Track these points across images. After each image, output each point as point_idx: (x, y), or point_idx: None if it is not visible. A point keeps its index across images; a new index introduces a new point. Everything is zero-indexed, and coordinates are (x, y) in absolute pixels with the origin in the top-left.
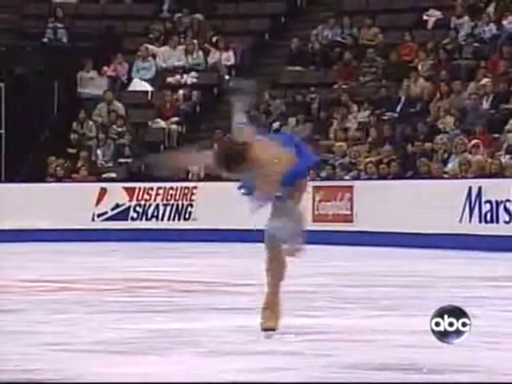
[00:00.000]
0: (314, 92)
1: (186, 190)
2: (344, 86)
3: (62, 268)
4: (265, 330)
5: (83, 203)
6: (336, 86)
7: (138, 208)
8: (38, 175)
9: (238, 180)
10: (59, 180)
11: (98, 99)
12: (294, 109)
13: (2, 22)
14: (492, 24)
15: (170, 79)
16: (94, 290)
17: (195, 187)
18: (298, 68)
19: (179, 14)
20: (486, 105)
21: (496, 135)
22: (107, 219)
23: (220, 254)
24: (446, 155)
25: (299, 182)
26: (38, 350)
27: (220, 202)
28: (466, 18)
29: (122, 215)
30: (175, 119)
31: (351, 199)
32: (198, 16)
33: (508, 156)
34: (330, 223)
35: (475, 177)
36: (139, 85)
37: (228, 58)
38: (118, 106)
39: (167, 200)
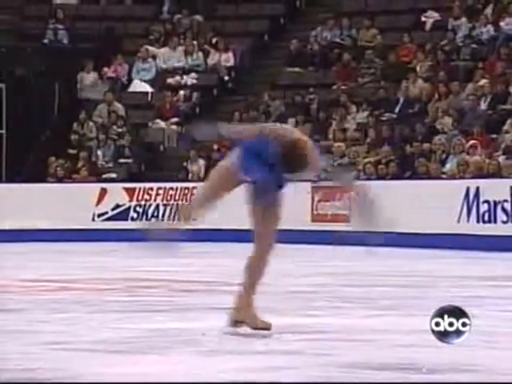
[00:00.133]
0: (313, 93)
1: (186, 191)
2: (343, 87)
3: (63, 268)
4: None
5: (83, 203)
6: (335, 87)
7: (138, 208)
8: (39, 175)
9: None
10: (60, 180)
11: (99, 100)
12: (293, 109)
13: (3, 23)
14: (490, 25)
15: (169, 80)
16: (94, 290)
17: (195, 187)
18: (297, 69)
19: (179, 16)
20: (483, 106)
21: (494, 136)
22: (107, 219)
23: (220, 253)
24: (444, 156)
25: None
26: (39, 349)
27: (220, 203)
28: (464, 19)
29: (122, 215)
30: (175, 120)
31: (350, 199)
32: (198, 17)
33: (504, 156)
34: (329, 223)
35: (473, 177)
36: (139, 86)
37: (228, 59)
38: (118, 106)
39: (167, 200)
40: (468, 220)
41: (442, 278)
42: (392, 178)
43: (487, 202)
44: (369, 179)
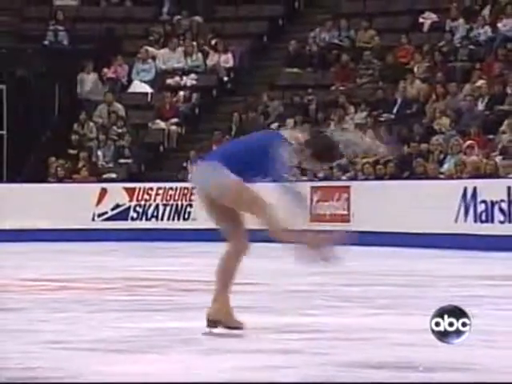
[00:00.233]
0: (311, 93)
1: (186, 191)
2: (341, 88)
3: (63, 267)
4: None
5: (84, 203)
6: (333, 88)
7: (137, 208)
8: (39, 176)
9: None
10: (60, 180)
11: (99, 101)
12: (291, 110)
13: (3, 25)
14: (487, 27)
15: (169, 81)
16: (94, 289)
17: (194, 187)
18: (295, 70)
19: (179, 17)
20: (481, 106)
21: (491, 136)
22: (107, 219)
23: (219, 253)
24: (441, 156)
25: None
26: (39, 349)
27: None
28: (462, 20)
29: (122, 215)
30: (175, 120)
31: (348, 199)
32: (198, 18)
33: (501, 157)
34: (327, 223)
35: (470, 177)
36: (139, 86)
37: (227, 60)
38: (119, 107)
39: (167, 200)
40: (465, 220)
41: (439, 278)
42: (390, 178)
43: (484, 201)
44: (367, 179)
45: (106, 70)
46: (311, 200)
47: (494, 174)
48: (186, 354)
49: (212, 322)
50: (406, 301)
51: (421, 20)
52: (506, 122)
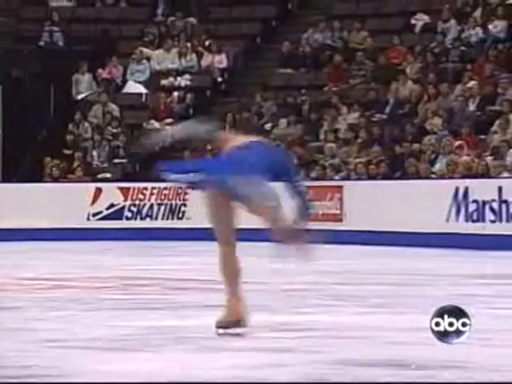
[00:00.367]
0: (304, 94)
1: (180, 190)
2: (334, 89)
3: (58, 266)
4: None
5: (79, 203)
6: (326, 88)
7: (132, 207)
8: (35, 175)
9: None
10: (55, 180)
11: (94, 101)
12: (285, 110)
13: (0, 26)
14: (478, 28)
15: (163, 81)
16: (90, 288)
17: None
18: (289, 70)
19: (173, 18)
20: (472, 107)
21: (482, 136)
22: (102, 218)
23: (213, 252)
24: (433, 156)
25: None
26: (35, 347)
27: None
28: (453, 22)
29: (117, 214)
30: (169, 120)
31: (341, 199)
32: (192, 20)
33: (491, 157)
34: (320, 222)
35: (462, 177)
36: (134, 87)
37: (221, 60)
38: (113, 107)
39: (161, 200)
40: (457, 219)
41: (432, 277)
42: (382, 178)
43: (476, 201)
44: (360, 179)
45: (100, 70)
46: None
47: (485, 174)
48: (181, 353)
49: (232, 323)
50: (398, 299)
51: (413, 21)
52: (497, 123)
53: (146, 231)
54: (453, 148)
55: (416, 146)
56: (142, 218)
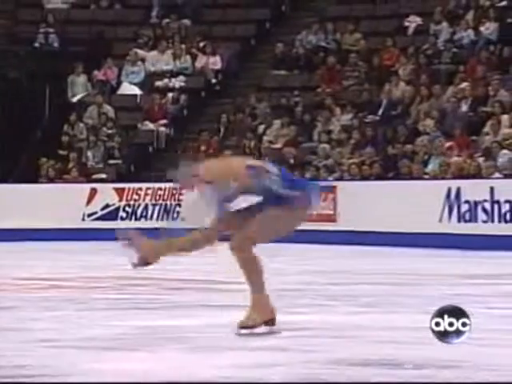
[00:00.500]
0: (298, 95)
1: (174, 191)
2: (327, 90)
3: (53, 266)
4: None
5: (74, 203)
6: (320, 90)
7: (127, 208)
8: (31, 176)
9: None
10: (51, 181)
11: (89, 102)
12: (278, 112)
13: None
14: (470, 30)
15: (158, 83)
16: (84, 288)
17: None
18: (282, 72)
19: (167, 20)
20: (464, 108)
21: (474, 137)
22: (97, 219)
23: (208, 252)
24: (426, 157)
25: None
26: (29, 347)
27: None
28: (445, 24)
29: (112, 215)
30: (163, 122)
31: (334, 199)
32: (186, 22)
33: (483, 158)
34: (314, 223)
35: (454, 178)
36: (128, 88)
37: (215, 62)
38: (108, 108)
39: (156, 200)
40: (449, 219)
41: (424, 276)
42: (376, 179)
43: (468, 202)
44: (353, 180)
45: (95, 72)
46: None
47: (477, 175)
48: (176, 353)
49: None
50: (391, 299)
51: (405, 23)
52: (488, 123)
53: (141, 231)
54: (443, 149)
55: (409, 146)
56: (136, 219)
